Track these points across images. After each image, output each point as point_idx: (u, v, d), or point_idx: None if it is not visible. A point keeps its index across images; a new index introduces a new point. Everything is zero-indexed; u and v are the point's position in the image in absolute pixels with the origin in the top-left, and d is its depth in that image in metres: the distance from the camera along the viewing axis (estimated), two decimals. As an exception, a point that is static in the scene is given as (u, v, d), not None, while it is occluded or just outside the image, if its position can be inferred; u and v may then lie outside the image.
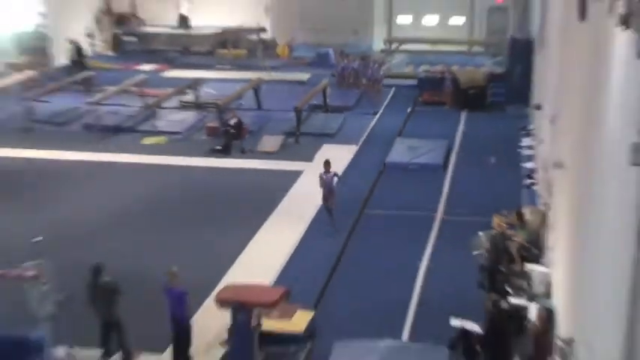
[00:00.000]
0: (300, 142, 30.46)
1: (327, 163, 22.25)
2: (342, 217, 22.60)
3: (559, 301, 15.16)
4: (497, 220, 18.89)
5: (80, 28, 45.57)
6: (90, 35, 47.21)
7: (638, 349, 6.26)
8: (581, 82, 14.53)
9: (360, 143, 30.46)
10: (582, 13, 14.41)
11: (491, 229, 18.82)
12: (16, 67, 39.50)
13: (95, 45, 47.04)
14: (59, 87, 36.31)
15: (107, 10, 49.22)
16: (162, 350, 15.95)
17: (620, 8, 8.43)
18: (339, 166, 26.99)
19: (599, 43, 11.71)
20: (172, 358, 15.69)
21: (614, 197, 8.86)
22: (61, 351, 14.46)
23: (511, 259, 18.04)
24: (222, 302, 15.94)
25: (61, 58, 42.90)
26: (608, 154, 9.86)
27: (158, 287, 15.94)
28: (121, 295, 15.78)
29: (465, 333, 15.67)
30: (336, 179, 22.33)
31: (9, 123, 32.65)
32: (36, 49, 42.21)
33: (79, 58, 41.46)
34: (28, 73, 38.82)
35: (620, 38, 9.10)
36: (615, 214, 8.67)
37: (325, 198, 22.06)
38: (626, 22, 8.05)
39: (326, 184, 21.96)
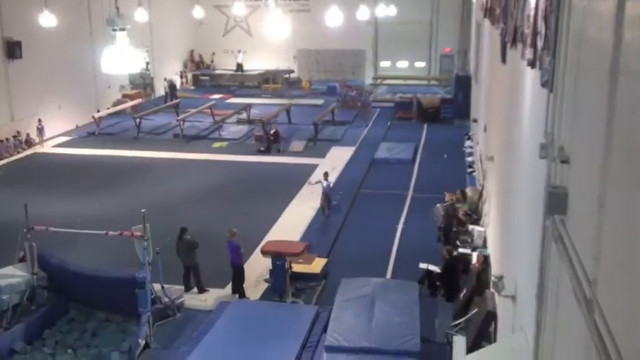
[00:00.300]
0: (317, 145, 30.17)
1: (326, 174, 21.16)
2: (346, 195, 22.49)
3: (492, 249, 15.00)
4: (448, 196, 18.70)
5: (173, 71, 45.56)
6: (181, 74, 47.30)
7: (546, 281, 6.10)
8: (503, 103, 14.37)
9: (357, 145, 30.16)
10: (503, 58, 14.30)
11: (445, 202, 18.63)
12: (129, 97, 39.49)
13: (183, 82, 46.97)
14: (158, 110, 36.18)
15: (191, 59, 49.27)
16: (224, 286, 15.87)
17: (528, 55, 8.66)
18: (342, 162, 27.00)
19: (515, 78, 11.62)
20: (231, 291, 15.60)
21: (528, 179, 8.72)
22: (157, 286, 14.37)
23: (459, 222, 17.87)
24: (265, 252, 15.88)
25: (160, 90, 42.85)
26: (523, 151, 9.72)
27: (222, 242, 15.84)
28: (198, 248, 15.70)
29: (428, 272, 15.54)
30: (330, 185, 21.08)
31: (125, 134, 32.64)
32: (143, 84, 42.25)
33: (171, 91, 41.35)
34: (138, 100, 38.86)
35: (529, 74, 9.19)
36: (529, 190, 8.52)
37: (322, 200, 20.69)
38: (532, 64, 8.35)
39: (324, 189, 20.70)
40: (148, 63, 41.98)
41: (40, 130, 29.80)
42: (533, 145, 7.21)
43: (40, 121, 29.45)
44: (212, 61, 49.60)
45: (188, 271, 15.79)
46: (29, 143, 30.01)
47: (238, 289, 15.47)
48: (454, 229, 17.56)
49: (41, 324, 13.97)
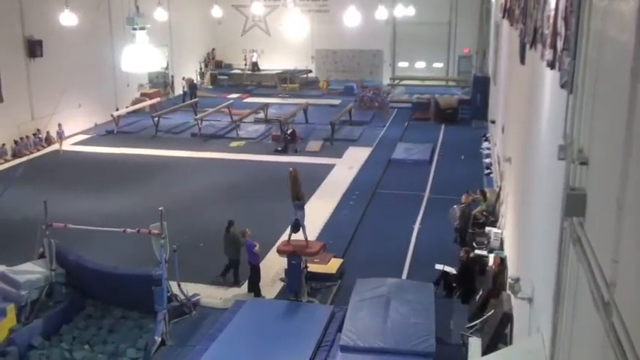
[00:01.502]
0: (334, 145, 30.14)
1: (295, 226, 15.80)
2: (362, 195, 22.48)
3: (508, 251, 14.91)
4: (464, 197, 18.62)
5: (192, 70, 45.67)
6: (202, 74, 47.49)
7: (564, 283, 6.05)
8: (521, 104, 14.29)
9: (374, 146, 30.12)
10: (522, 59, 14.22)
11: (461, 203, 18.54)
12: (148, 95, 39.68)
13: (202, 82, 47.09)
14: (176, 109, 36.39)
15: (212, 58, 49.50)
16: (240, 284, 15.87)
17: (547, 56, 8.61)
18: (359, 162, 26.97)
19: (534, 78, 11.55)
20: (247, 290, 15.61)
21: (546, 181, 8.66)
22: (180, 285, 14.44)
23: (476, 223, 17.78)
24: (281, 252, 15.88)
25: (178, 90, 43.02)
26: (541, 152, 9.66)
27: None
28: (241, 246, 15.88)
29: (444, 273, 15.48)
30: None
31: (143, 132, 32.85)
32: (163, 83, 42.48)
33: (190, 90, 41.42)
34: (156, 99, 39.03)
35: (548, 75, 9.13)
36: (547, 192, 8.47)
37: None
38: (552, 65, 8.27)
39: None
40: (167, 62, 42.28)
41: (60, 135, 29.64)
42: (552, 147, 7.17)
43: (60, 125, 29.37)
44: (245, 60, 49.21)
45: (231, 264, 16.06)
46: (49, 141, 30.28)
47: (254, 288, 15.48)
48: (470, 231, 17.47)
49: (59, 320, 14.08)
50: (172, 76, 43.20)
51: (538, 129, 10.37)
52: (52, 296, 14.50)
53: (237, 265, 15.97)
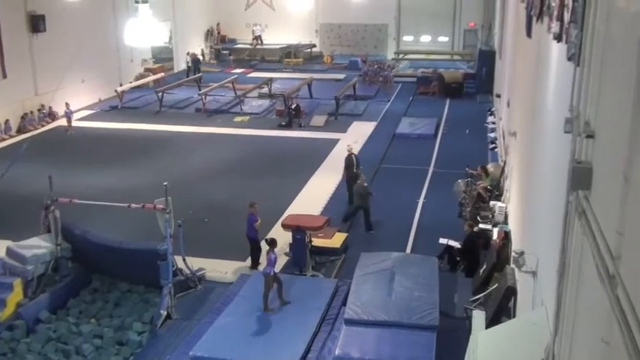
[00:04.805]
0: (338, 119, 30.05)
1: (272, 243, 13.68)
2: (367, 170, 22.33)
3: (513, 225, 14.92)
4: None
5: (195, 45, 45.34)
6: (202, 52, 47.14)
7: (569, 256, 6.05)
8: (527, 78, 14.22)
9: (379, 120, 30.01)
10: (529, 32, 14.13)
11: (466, 177, 18.49)
12: (151, 70, 39.53)
13: (205, 56, 46.74)
14: (180, 84, 36.27)
15: (218, 32, 49.08)
16: (244, 258, 15.89)
17: (554, 29, 8.67)
18: (364, 137, 26.91)
19: (540, 52, 11.51)
20: (250, 265, 15.63)
21: (551, 155, 8.65)
22: (185, 260, 14.48)
23: (480, 199, 17.74)
24: (285, 226, 15.90)
25: (182, 64, 42.79)
26: (547, 126, 9.64)
27: (243, 215, 15.84)
28: (368, 195, 17.76)
29: (448, 248, 15.49)
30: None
31: (147, 107, 32.73)
32: (165, 58, 42.25)
33: (194, 65, 41.16)
34: (160, 74, 38.85)
35: (555, 48, 9.12)
36: (552, 166, 8.45)
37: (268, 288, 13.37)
38: (558, 37, 8.33)
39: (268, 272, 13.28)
40: (170, 36, 42.06)
41: (68, 115, 28.47)
42: (558, 120, 7.14)
43: (67, 105, 28.65)
44: (253, 36, 48.18)
45: (356, 210, 17.84)
46: (53, 117, 30.21)
47: (257, 263, 15.50)
48: (475, 205, 17.43)
49: (65, 294, 14.18)
50: (175, 51, 42.90)
51: (544, 103, 10.33)
52: (58, 271, 14.57)
53: (362, 210, 17.66)
